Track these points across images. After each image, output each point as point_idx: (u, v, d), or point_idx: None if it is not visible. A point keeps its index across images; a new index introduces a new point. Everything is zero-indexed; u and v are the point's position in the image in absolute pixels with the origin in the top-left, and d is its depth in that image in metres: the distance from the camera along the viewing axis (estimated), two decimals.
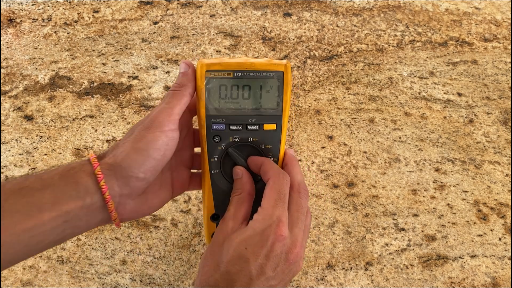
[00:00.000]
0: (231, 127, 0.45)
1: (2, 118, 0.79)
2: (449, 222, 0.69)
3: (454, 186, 0.74)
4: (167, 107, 0.42)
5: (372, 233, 0.67)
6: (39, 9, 0.99)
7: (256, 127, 0.45)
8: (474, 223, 0.69)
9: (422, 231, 0.68)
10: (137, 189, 0.41)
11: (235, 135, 0.45)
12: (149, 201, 0.45)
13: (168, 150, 0.41)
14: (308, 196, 0.44)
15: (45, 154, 0.74)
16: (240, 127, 0.45)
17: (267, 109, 0.45)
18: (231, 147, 0.46)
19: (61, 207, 0.37)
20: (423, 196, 0.72)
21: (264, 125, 0.45)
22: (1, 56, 0.89)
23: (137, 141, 0.40)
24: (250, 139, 0.45)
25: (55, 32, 0.94)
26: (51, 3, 1.00)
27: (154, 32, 0.94)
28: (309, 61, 0.91)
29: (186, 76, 0.43)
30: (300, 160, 0.75)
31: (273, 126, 0.45)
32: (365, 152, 0.77)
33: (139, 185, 0.41)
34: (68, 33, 0.94)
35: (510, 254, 0.66)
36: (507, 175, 0.75)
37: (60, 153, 0.75)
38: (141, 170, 0.40)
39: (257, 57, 0.91)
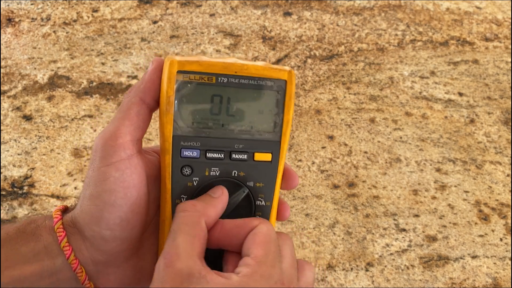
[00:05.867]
0: (208, 155, 0.32)
1: (1, 118, 0.79)
2: (450, 223, 0.69)
3: (455, 186, 0.73)
4: (111, 127, 0.30)
5: (373, 233, 0.67)
6: (38, 9, 0.98)
7: (244, 157, 0.32)
8: (475, 223, 0.69)
9: (423, 232, 0.68)
10: (114, 254, 0.30)
11: (213, 166, 0.32)
12: (146, 267, 0.32)
13: (130, 188, 0.29)
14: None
15: (44, 154, 0.74)
16: (222, 156, 0.32)
17: (260, 131, 0.32)
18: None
19: (12, 272, 0.28)
20: (424, 197, 0.72)
21: (256, 154, 0.32)
22: (0, 55, 0.89)
23: (89, 183, 0.30)
24: (235, 173, 0.32)
25: (54, 31, 0.94)
26: (50, 2, 1.00)
27: (154, 32, 0.94)
28: (309, 60, 0.91)
29: (145, 77, 0.31)
30: (300, 160, 0.75)
31: (267, 156, 0.33)
32: (365, 152, 0.77)
33: (113, 247, 0.29)
34: (67, 33, 0.94)
35: (511, 254, 0.66)
36: (508, 175, 0.75)
37: (59, 153, 0.74)
38: (102, 226, 0.29)
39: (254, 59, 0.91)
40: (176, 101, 0.31)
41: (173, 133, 0.31)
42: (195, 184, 0.32)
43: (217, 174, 0.32)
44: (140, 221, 0.30)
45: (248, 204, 0.33)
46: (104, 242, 0.29)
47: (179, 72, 0.31)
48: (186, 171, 0.31)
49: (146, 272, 0.31)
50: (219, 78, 0.31)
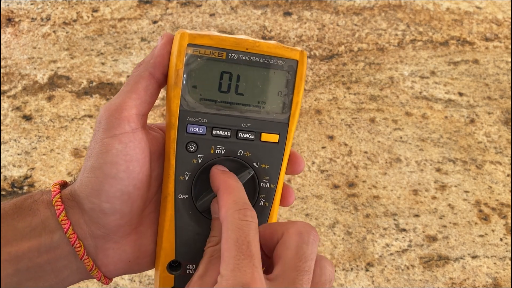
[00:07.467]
0: (214, 132, 0.31)
1: (1, 118, 0.79)
2: (450, 223, 0.69)
3: (455, 186, 0.73)
4: (117, 100, 0.29)
5: (373, 233, 0.67)
6: (38, 9, 0.98)
7: (251, 136, 0.32)
8: (475, 223, 0.69)
9: (423, 232, 0.68)
10: (113, 228, 0.29)
11: (219, 144, 0.31)
12: (145, 245, 0.31)
13: (133, 161, 0.29)
14: (318, 238, 0.28)
15: (44, 154, 0.74)
16: (228, 134, 0.31)
17: (269, 112, 0.32)
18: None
19: (9, 248, 0.27)
20: (424, 197, 0.72)
21: (263, 135, 0.32)
22: (0, 55, 0.89)
23: (90, 155, 0.29)
24: (241, 152, 0.32)
25: (54, 31, 0.94)
26: (50, 2, 1.00)
27: (154, 31, 0.94)
28: (309, 60, 0.91)
29: (154, 51, 0.30)
30: None
31: (274, 137, 0.32)
32: (365, 152, 0.77)
33: (112, 221, 0.29)
34: (67, 33, 0.93)
35: (511, 254, 0.66)
36: (508, 175, 0.75)
37: (59, 153, 0.74)
38: (102, 199, 0.28)
39: None
40: (184, 75, 0.30)
41: (180, 108, 0.30)
42: (199, 161, 0.31)
43: (223, 152, 0.31)
44: (141, 197, 0.30)
45: (252, 185, 0.32)
46: (103, 215, 0.29)
47: (189, 45, 0.30)
48: (191, 148, 0.31)
49: (145, 250, 0.31)
50: (230, 54, 0.30)
